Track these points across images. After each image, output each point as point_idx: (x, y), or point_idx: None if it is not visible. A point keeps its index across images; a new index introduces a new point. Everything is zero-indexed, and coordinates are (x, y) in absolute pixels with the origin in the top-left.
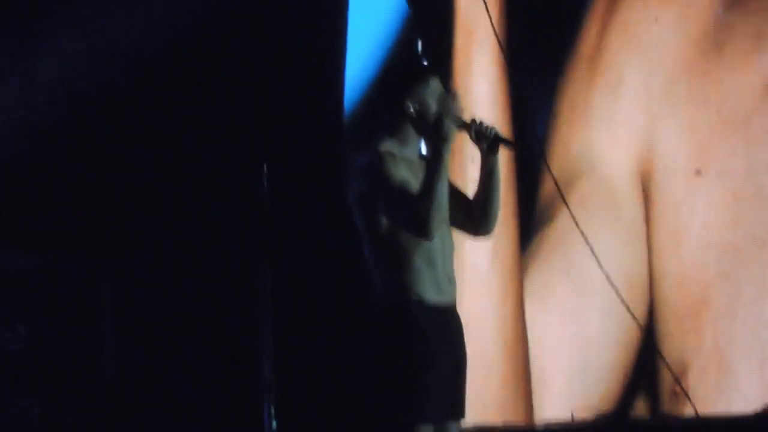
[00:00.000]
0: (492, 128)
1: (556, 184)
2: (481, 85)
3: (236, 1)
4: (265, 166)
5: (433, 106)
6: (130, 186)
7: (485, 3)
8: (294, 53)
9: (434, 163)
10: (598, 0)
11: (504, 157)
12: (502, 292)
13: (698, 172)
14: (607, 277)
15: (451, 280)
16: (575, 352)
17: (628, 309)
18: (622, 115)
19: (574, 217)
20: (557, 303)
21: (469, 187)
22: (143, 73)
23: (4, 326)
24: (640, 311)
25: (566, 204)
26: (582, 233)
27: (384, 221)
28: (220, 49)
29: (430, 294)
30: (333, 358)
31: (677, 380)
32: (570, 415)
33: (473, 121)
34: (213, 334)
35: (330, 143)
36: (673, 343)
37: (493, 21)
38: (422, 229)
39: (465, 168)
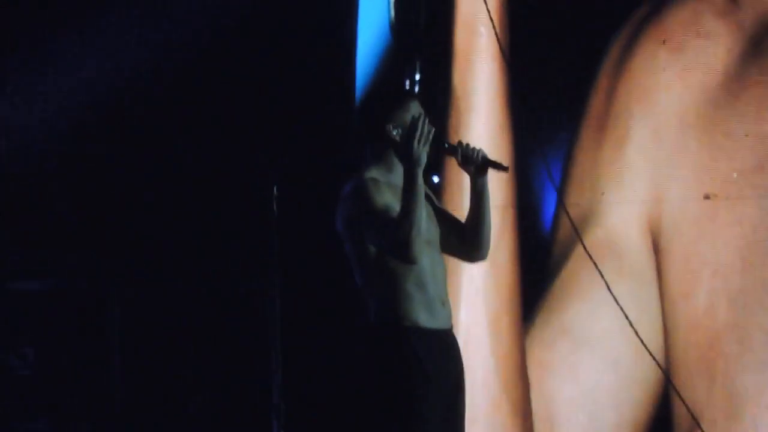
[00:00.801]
0: (479, 150)
1: (572, 223)
2: (481, 124)
3: (253, 20)
4: (275, 187)
5: None
6: (139, 207)
7: (502, 52)
8: (305, 68)
9: (409, 187)
10: (608, 57)
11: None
12: (497, 309)
13: (707, 197)
14: (627, 318)
15: (445, 303)
16: (584, 406)
17: (648, 351)
18: (629, 166)
19: (593, 260)
20: (560, 359)
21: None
22: (152, 92)
23: (12, 349)
24: (651, 362)
25: (584, 246)
26: (602, 276)
27: (372, 248)
28: (232, 66)
29: (423, 318)
30: (342, 377)
31: (698, 423)
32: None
33: (459, 143)
34: (222, 353)
35: (340, 159)
36: (684, 393)
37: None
38: (405, 253)
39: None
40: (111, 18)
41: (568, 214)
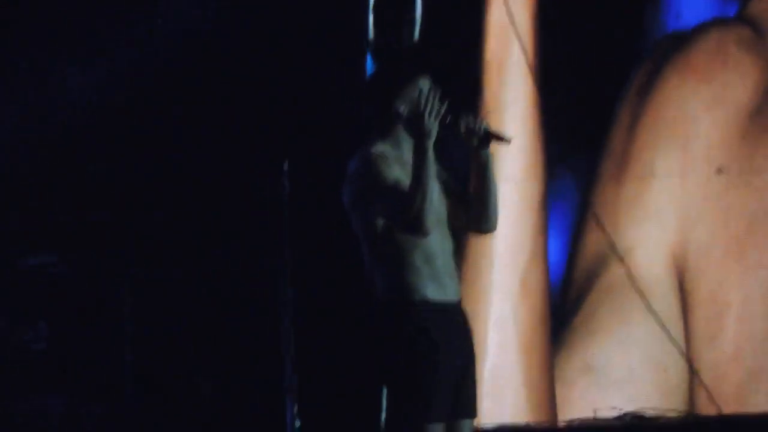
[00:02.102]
0: (482, 122)
1: (604, 230)
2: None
3: (261, 5)
4: (285, 164)
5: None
6: (150, 185)
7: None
8: (314, 52)
9: (419, 159)
10: (630, 88)
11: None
12: (529, 336)
13: (719, 171)
14: (663, 326)
15: (453, 277)
16: None
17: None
18: (653, 203)
19: (630, 273)
20: (582, 397)
21: None
22: (164, 75)
23: (26, 325)
24: (677, 404)
25: (617, 253)
26: (639, 292)
27: (380, 222)
28: (242, 50)
29: (432, 292)
30: (354, 357)
31: None
32: (592, 413)
33: (462, 116)
34: (234, 332)
35: (350, 140)
36: None
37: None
38: (418, 226)
39: None
40: (129, 7)
41: (598, 218)
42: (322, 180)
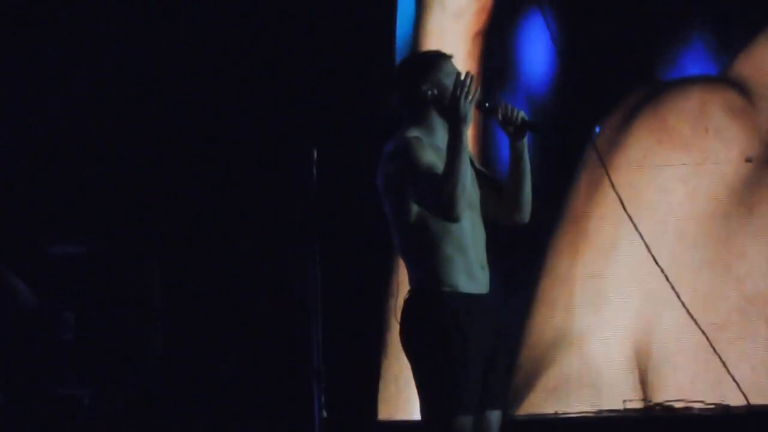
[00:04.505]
0: (519, 112)
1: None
2: None
3: None
4: (314, 151)
5: (450, 87)
6: (178, 172)
7: None
8: (343, 39)
9: (454, 144)
10: (592, 147)
11: None
12: None
13: (749, 160)
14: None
15: (484, 267)
16: None
17: None
18: (614, 282)
19: (627, 212)
20: None
21: None
22: (195, 62)
23: (54, 314)
24: None
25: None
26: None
27: (413, 208)
28: (271, 36)
29: (463, 283)
30: (382, 344)
31: None
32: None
33: (500, 104)
34: (262, 320)
35: (378, 127)
36: None
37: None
38: (449, 211)
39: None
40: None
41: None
42: (350, 167)
